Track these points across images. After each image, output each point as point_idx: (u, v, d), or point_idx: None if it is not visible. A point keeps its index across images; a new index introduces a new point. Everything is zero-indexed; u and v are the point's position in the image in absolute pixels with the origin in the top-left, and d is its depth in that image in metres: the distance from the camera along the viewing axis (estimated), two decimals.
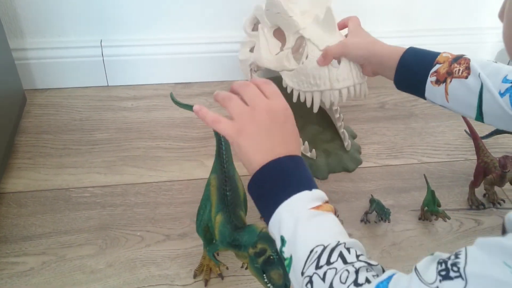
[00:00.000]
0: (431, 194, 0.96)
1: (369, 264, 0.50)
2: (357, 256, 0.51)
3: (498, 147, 1.15)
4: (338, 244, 0.51)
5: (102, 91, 1.25)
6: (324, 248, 0.51)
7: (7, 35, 1.10)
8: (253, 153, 0.59)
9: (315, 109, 0.95)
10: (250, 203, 0.89)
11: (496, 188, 1.02)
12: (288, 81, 0.96)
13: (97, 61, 1.22)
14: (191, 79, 1.30)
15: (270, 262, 0.67)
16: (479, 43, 1.36)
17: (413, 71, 0.81)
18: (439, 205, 0.97)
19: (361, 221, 0.98)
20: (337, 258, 0.50)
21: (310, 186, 0.57)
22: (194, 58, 1.27)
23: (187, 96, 1.26)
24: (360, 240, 0.92)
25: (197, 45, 1.25)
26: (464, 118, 1.10)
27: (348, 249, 0.51)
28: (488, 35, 1.35)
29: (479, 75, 0.74)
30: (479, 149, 1.01)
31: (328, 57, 0.88)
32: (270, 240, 0.68)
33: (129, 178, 1.03)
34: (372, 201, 0.98)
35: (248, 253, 0.69)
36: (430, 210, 0.97)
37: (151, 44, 1.24)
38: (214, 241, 0.78)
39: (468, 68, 0.75)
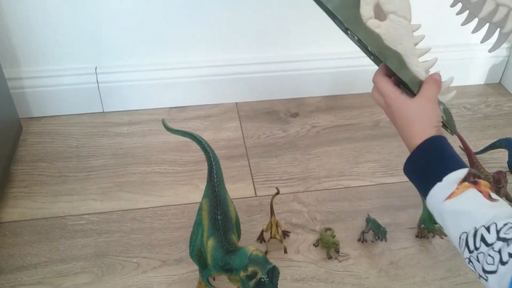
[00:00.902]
0: (427, 211, 0.96)
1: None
2: (498, 232, 0.53)
3: (493, 162, 1.15)
4: (476, 230, 0.54)
5: (98, 117, 1.26)
6: (467, 235, 0.55)
7: (2, 65, 1.11)
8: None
9: None
10: (243, 226, 0.89)
11: None
12: None
13: (92, 87, 1.24)
14: (185, 103, 1.31)
15: (261, 284, 0.67)
16: (470, 59, 1.37)
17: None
18: (435, 222, 0.96)
19: (358, 240, 0.97)
20: (480, 243, 0.53)
21: (441, 173, 0.59)
22: (188, 82, 1.28)
23: (182, 120, 1.27)
24: (357, 259, 0.93)
25: (190, 69, 1.27)
26: (458, 134, 1.10)
27: (488, 228, 0.53)
28: (478, 51, 1.36)
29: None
30: (474, 165, 1.02)
31: None
32: (260, 263, 0.68)
33: (125, 204, 1.03)
34: (368, 220, 0.98)
35: (240, 276, 0.68)
36: (427, 227, 0.96)
37: (145, 69, 1.25)
38: (207, 266, 0.78)
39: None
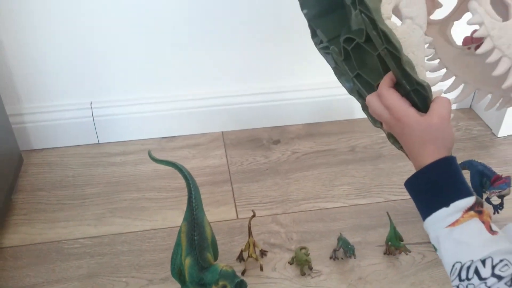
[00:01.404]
0: (393, 230, 1.04)
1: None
2: (493, 268, 0.54)
3: None
4: (472, 262, 0.56)
5: (93, 148, 1.36)
6: (462, 265, 0.57)
7: (4, 102, 1.21)
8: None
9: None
10: (226, 246, 0.97)
11: None
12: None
13: (88, 121, 1.34)
14: (175, 133, 1.40)
15: None
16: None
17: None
18: (401, 240, 1.05)
19: (330, 258, 1.05)
20: (473, 274, 0.55)
21: (450, 199, 0.59)
22: (177, 114, 1.38)
23: (171, 149, 1.36)
24: (329, 275, 1.01)
25: (179, 102, 1.37)
26: None
27: (484, 262, 0.55)
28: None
29: None
30: None
31: None
32: (229, 277, 0.76)
33: (117, 229, 1.12)
34: (339, 239, 1.06)
35: None
36: (393, 245, 1.04)
37: (137, 103, 1.35)
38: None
39: None
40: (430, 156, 0.61)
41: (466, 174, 1.17)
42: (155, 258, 1.05)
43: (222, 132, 1.42)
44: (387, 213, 1.09)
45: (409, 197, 0.65)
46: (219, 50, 1.31)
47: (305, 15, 0.79)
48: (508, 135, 1.40)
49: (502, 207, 1.11)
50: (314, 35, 0.80)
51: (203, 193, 1.18)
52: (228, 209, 1.17)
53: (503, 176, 1.06)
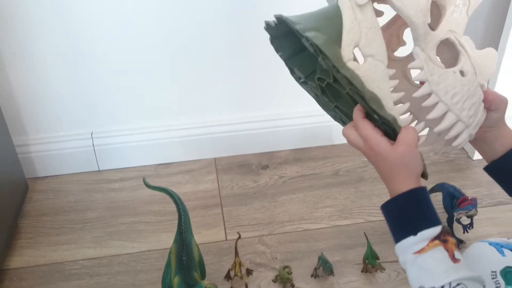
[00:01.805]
0: (370, 249, 1.12)
1: None
2: None
3: (436, 204, 1.31)
4: None
5: (94, 175, 1.46)
6: None
7: (11, 133, 1.32)
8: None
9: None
10: (215, 266, 1.06)
11: None
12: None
13: (89, 150, 1.44)
14: (170, 160, 1.50)
15: None
16: None
17: None
18: (377, 258, 1.13)
19: (311, 275, 1.14)
20: None
21: (417, 228, 0.64)
22: (172, 142, 1.47)
23: (167, 175, 1.46)
24: None
25: (174, 131, 1.46)
26: None
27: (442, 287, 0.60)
28: None
29: None
30: None
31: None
32: None
33: (114, 250, 1.21)
34: (320, 258, 1.14)
35: None
36: (370, 263, 1.13)
37: (135, 133, 1.45)
38: None
39: None
40: (401, 184, 0.66)
41: (439, 196, 1.27)
42: (149, 278, 1.14)
43: (214, 158, 1.51)
44: (364, 233, 1.17)
45: None
46: (212, 83, 1.41)
47: (281, 56, 0.86)
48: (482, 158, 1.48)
49: (472, 227, 1.19)
50: (292, 72, 0.85)
51: (195, 216, 1.29)
52: (218, 231, 1.26)
53: (469, 198, 1.14)
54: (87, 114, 1.41)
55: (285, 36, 0.76)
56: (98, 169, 1.47)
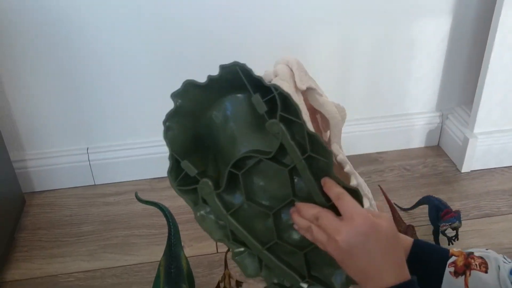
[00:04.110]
0: None
1: None
2: None
3: (423, 216, 1.34)
4: None
5: (89, 189, 1.49)
6: None
7: (8, 149, 1.35)
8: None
9: None
10: (205, 278, 1.08)
11: None
12: None
13: (85, 165, 1.47)
14: (165, 174, 1.51)
15: None
16: (409, 126, 1.59)
17: (429, 261, 0.77)
18: None
19: None
20: None
21: None
22: (167, 157, 1.50)
23: (161, 188, 1.49)
24: None
25: None
26: (381, 189, 1.30)
27: None
28: (415, 119, 1.58)
29: (498, 267, 0.75)
30: (396, 220, 1.21)
31: None
32: None
33: (108, 263, 1.24)
34: None
35: None
36: None
37: (129, 148, 1.48)
38: None
39: (484, 263, 0.77)
40: (386, 272, 0.60)
41: (425, 208, 1.30)
42: None
43: None
44: None
45: None
46: None
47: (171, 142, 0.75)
48: (471, 170, 1.51)
49: (457, 239, 1.22)
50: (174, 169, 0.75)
51: (188, 229, 1.31)
52: (209, 244, 1.29)
53: (453, 211, 1.17)
54: (82, 130, 1.45)
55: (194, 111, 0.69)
56: (93, 183, 1.51)
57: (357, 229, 0.59)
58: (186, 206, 1.40)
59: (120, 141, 1.48)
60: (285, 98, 0.61)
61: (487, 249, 0.87)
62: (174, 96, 0.68)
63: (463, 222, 1.20)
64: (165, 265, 0.98)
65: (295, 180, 0.68)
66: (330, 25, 1.39)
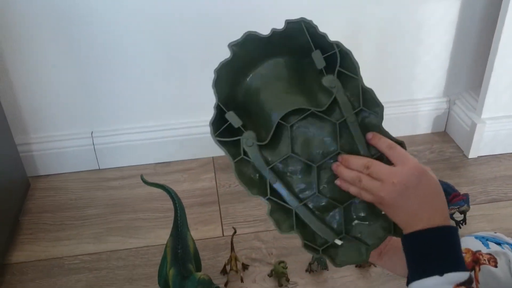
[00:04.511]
0: None
1: None
2: None
3: None
4: None
5: (94, 174, 1.48)
6: None
7: (13, 133, 1.34)
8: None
9: None
10: (211, 261, 1.07)
11: None
12: None
13: (89, 149, 1.46)
14: (169, 159, 1.52)
15: None
16: (415, 112, 1.57)
17: None
18: None
19: (306, 270, 1.16)
20: None
21: (445, 268, 0.59)
22: (171, 141, 1.50)
23: (165, 173, 1.48)
24: (304, 286, 1.11)
25: (173, 130, 1.49)
26: None
27: None
28: (421, 105, 1.57)
29: (509, 261, 0.76)
30: None
31: None
32: (206, 285, 0.87)
33: (113, 246, 1.23)
34: None
35: None
36: None
37: (134, 132, 1.48)
38: None
39: (493, 258, 0.77)
40: (433, 216, 0.61)
41: None
42: (147, 272, 1.16)
43: (212, 157, 1.53)
44: None
45: None
46: (210, 82, 1.43)
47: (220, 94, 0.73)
48: (478, 156, 1.50)
49: (465, 223, 1.21)
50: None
51: (193, 213, 1.31)
52: (215, 228, 1.28)
53: (461, 194, 1.16)
54: (87, 113, 1.44)
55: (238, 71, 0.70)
56: (98, 168, 1.50)
57: (411, 171, 0.62)
58: (190, 191, 1.41)
59: (125, 125, 1.47)
60: (346, 54, 0.66)
61: (495, 233, 0.87)
62: (233, 45, 0.68)
63: (470, 206, 1.19)
64: (172, 246, 0.97)
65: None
66: (338, 8, 1.37)
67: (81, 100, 1.41)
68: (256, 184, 0.70)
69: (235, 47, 0.68)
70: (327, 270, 1.14)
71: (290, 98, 0.69)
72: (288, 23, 0.66)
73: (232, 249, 1.12)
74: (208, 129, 1.60)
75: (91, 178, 1.47)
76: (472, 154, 1.50)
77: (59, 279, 1.15)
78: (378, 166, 0.64)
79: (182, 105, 1.47)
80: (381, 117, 0.68)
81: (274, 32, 0.67)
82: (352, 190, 0.67)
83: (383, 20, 1.41)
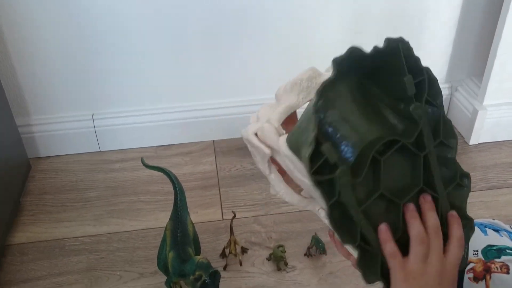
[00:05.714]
0: None
1: None
2: None
3: None
4: None
5: (95, 156, 1.49)
6: None
7: (14, 114, 1.35)
8: None
9: None
10: (211, 244, 1.08)
11: None
12: None
13: (90, 131, 1.46)
14: (170, 142, 1.52)
15: (205, 285, 0.86)
16: None
17: None
18: None
19: (305, 255, 1.16)
20: None
21: None
22: (172, 124, 1.50)
23: (166, 156, 1.48)
24: (302, 270, 1.12)
25: (174, 113, 1.49)
26: None
27: None
28: None
29: None
30: None
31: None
32: (205, 268, 0.87)
33: (114, 228, 1.24)
34: (313, 237, 1.17)
35: (190, 279, 0.88)
36: None
37: (135, 114, 1.47)
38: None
39: (506, 265, 0.75)
40: None
41: None
42: (147, 254, 1.17)
43: (213, 141, 1.53)
44: None
45: None
46: (212, 66, 1.44)
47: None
48: (479, 143, 1.50)
49: None
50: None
51: (193, 196, 1.32)
52: (214, 211, 1.29)
53: None
54: (88, 95, 1.43)
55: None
56: (99, 150, 1.50)
57: (448, 274, 0.58)
58: (190, 174, 1.41)
59: (126, 108, 1.47)
60: (433, 82, 0.59)
61: (493, 219, 0.87)
62: (337, 63, 0.55)
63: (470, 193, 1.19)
64: (171, 229, 0.98)
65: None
66: None
67: (82, 82, 1.40)
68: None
69: (340, 64, 0.55)
70: (326, 254, 1.15)
71: (370, 126, 0.58)
72: (389, 41, 0.56)
73: (232, 232, 1.13)
74: (209, 113, 1.60)
75: (92, 160, 1.47)
76: (473, 141, 1.50)
77: (59, 260, 1.16)
78: (440, 241, 0.59)
79: (183, 88, 1.47)
80: (455, 150, 0.62)
81: (377, 50, 0.56)
82: (412, 230, 0.59)
83: (387, 6, 1.40)
